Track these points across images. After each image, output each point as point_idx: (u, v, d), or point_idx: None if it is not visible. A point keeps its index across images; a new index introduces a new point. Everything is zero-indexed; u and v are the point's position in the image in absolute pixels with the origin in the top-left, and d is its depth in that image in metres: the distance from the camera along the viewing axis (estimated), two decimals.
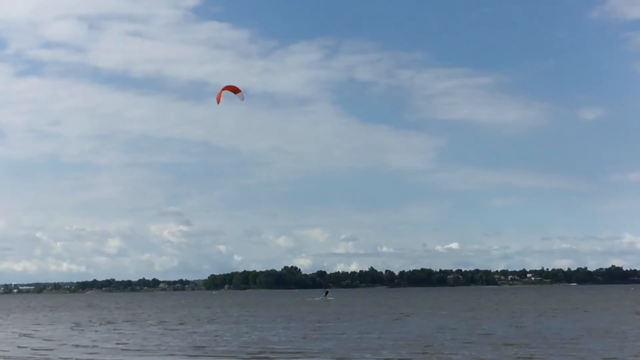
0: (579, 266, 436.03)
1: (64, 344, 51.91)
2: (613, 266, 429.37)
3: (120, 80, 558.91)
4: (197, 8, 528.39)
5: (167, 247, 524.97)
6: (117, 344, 51.45)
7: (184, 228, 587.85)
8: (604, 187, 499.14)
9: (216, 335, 57.64)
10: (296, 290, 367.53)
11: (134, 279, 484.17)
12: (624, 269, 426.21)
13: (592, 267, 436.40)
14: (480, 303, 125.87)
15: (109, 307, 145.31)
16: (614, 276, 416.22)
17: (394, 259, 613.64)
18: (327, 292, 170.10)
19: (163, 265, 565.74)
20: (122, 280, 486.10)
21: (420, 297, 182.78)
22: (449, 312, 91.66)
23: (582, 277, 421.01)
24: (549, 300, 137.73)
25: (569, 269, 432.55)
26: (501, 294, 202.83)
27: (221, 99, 36.76)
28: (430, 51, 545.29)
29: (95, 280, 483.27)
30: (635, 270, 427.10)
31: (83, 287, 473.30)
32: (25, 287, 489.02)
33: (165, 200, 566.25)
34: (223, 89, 36.69)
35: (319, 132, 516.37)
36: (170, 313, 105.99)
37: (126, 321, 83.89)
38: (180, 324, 76.26)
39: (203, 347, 48.21)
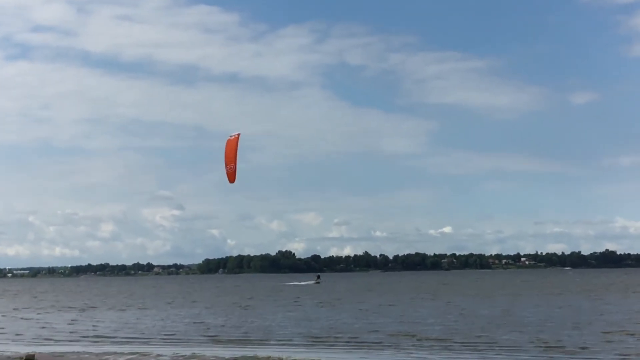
0: (572, 250, 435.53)
1: None
2: (607, 250, 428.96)
3: (110, 64, 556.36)
4: None
5: (160, 231, 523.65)
6: None
7: (176, 212, 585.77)
8: (597, 171, 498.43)
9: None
10: (290, 274, 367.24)
11: (128, 263, 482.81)
12: (618, 252, 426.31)
13: (585, 251, 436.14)
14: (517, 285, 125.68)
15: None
16: (608, 260, 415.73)
17: (387, 243, 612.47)
18: (318, 277, 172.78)
19: (156, 250, 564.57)
20: (117, 265, 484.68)
21: (429, 281, 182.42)
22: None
23: (576, 261, 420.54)
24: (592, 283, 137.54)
25: (562, 253, 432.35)
26: (518, 277, 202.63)
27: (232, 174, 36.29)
28: (422, 35, 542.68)
29: (89, 265, 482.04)
30: (629, 254, 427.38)
31: (77, 271, 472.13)
32: (19, 272, 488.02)
33: (157, 185, 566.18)
34: (230, 168, 36.10)
35: (310, 117, 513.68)
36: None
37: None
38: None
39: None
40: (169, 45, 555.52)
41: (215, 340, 42.97)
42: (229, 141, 35.69)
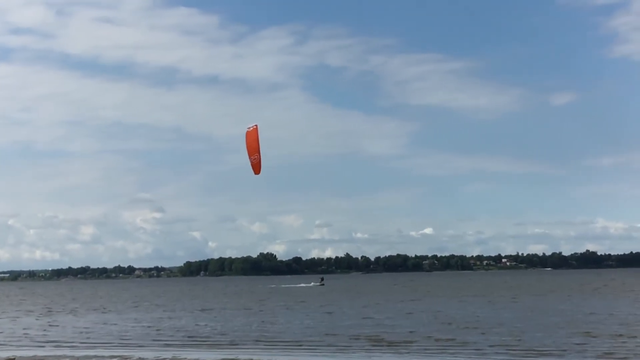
0: (553, 251, 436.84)
1: None
2: (587, 251, 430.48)
3: (90, 66, 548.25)
4: None
5: (141, 234, 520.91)
6: None
7: (157, 215, 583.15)
8: (577, 172, 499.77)
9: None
10: (275, 276, 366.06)
11: (109, 266, 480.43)
12: (598, 253, 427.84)
13: (566, 251, 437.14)
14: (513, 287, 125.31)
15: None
16: (589, 261, 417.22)
17: (369, 245, 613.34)
18: (322, 279, 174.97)
19: (137, 252, 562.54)
20: (98, 268, 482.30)
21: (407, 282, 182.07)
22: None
23: (556, 261, 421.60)
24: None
25: (543, 253, 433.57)
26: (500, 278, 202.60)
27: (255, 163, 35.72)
28: (402, 36, 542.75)
29: (70, 268, 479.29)
30: (609, 254, 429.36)
31: (58, 274, 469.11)
32: (0, 275, 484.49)
33: (138, 187, 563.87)
34: (255, 159, 35.55)
35: (291, 118, 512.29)
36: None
37: None
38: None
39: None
40: (149, 47, 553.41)
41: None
42: (248, 133, 35.33)
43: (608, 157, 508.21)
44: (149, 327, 54.15)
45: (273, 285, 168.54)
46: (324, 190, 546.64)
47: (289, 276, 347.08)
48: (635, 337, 40.58)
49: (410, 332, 45.48)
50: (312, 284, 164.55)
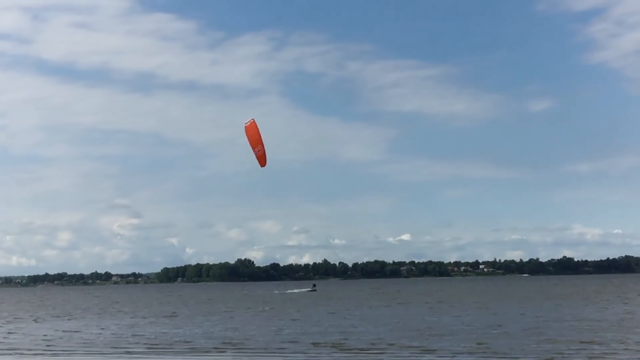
0: (530, 257, 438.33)
1: None
2: (564, 257, 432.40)
3: (67, 72, 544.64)
4: None
5: (118, 240, 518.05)
6: None
7: (134, 221, 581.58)
8: (554, 178, 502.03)
9: None
10: (253, 282, 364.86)
11: (86, 272, 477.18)
12: (575, 259, 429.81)
13: (543, 257, 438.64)
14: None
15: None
16: (565, 267, 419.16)
17: (346, 251, 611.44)
18: (314, 285, 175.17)
19: (114, 259, 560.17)
20: (74, 274, 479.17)
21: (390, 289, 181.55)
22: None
23: (534, 267, 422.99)
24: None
25: (521, 259, 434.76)
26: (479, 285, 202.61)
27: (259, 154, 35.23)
28: (379, 43, 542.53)
29: (47, 274, 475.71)
30: (586, 260, 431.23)
31: (34, 281, 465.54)
32: None
33: (115, 193, 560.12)
34: (259, 151, 35.15)
35: (269, 124, 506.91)
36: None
37: None
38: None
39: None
40: (126, 53, 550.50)
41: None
42: (247, 128, 34.92)
43: (585, 164, 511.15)
44: (112, 334, 53.35)
45: (261, 291, 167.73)
46: (302, 196, 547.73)
47: (282, 282, 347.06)
48: (593, 342, 40.48)
49: (376, 338, 44.98)
50: (305, 289, 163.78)
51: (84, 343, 47.07)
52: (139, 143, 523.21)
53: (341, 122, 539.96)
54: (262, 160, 35.12)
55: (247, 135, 35.31)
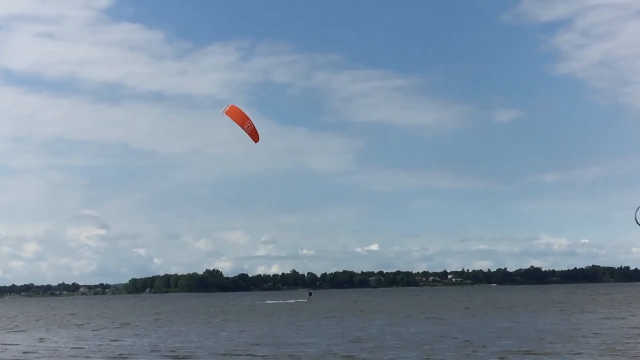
0: (498, 267, 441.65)
1: None
2: (532, 267, 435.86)
3: (33, 82, 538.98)
4: (109, 9, 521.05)
5: (85, 251, 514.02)
6: None
7: (102, 232, 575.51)
8: (521, 188, 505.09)
9: None
10: (222, 293, 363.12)
11: (53, 283, 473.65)
12: (543, 269, 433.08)
13: (511, 267, 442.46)
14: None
15: None
16: (533, 276, 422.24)
17: (315, 261, 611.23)
18: (310, 294, 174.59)
19: (82, 270, 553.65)
20: (42, 285, 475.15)
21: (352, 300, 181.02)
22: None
23: (502, 277, 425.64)
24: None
25: (488, 269, 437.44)
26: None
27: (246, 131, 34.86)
28: (346, 53, 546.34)
29: (13, 285, 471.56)
30: (553, 270, 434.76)
31: (1, 292, 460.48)
32: None
33: (82, 204, 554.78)
34: (249, 127, 34.80)
35: (237, 135, 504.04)
36: None
37: None
38: None
39: None
40: (93, 63, 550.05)
41: None
42: (228, 112, 34.67)
43: (551, 174, 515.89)
44: (51, 346, 52.39)
45: (257, 301, 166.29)
46: (270, 206, 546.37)
47: (275, 292, 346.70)
48: (530, 352, 40.26)
49: (311, 349, 44.48)
50: (302, 300, 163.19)
51: (14, 357, 46.10)
52: (106, 154, 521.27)
53: (309, 132, 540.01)
54: (254, 135, 34.78)
55: (231, 118, 35.10)
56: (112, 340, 55.86)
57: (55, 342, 56.49)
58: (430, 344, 46.12)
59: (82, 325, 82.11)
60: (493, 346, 43.85)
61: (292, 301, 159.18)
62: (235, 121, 35.14)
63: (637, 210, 48.23)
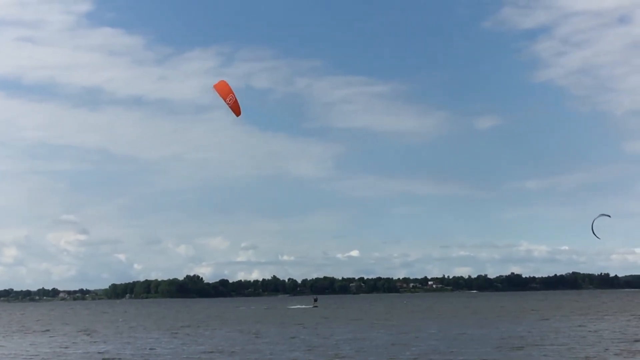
0: (478, 273, 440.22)
1: None
2: (512, 273, 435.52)
3: (13, 86, 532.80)
4: (89, 14, 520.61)
5: (65, 256, 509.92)
6: None
7: (81, 237, 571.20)
8: (502, 195, 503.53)
9: None
10: (202, 299, 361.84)
11: (33, 288, 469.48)
12: (523, 276, 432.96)
13: (491, 274, 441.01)
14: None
15: None
16: (514, 283, 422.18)
17: (295, 267, 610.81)
18: (315, 300, 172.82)
19: (61, 275, 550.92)
20: (21, 290, 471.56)
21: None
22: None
23: (482, 284, 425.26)
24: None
25: (469, 276, 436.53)
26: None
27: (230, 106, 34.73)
28: (328, 59, 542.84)
29: None
30: (534, 277, 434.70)
31: None
32: None
33: (62, 209, 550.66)
34: (231, 99, 34.65)
35: (217, 140, 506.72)
36: None
37: None
38: None
39: None
40: (73, 67, 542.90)
41: None
42: (216, 85, 34.47)
43: (532, 181, 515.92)
44: (12, 354, 52.00)
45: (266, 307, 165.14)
46: (250, 212, 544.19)
47: (285, 296, 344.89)
48: None
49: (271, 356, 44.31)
50: (309, 305, 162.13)
51: None
52: (85, 159, 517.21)
53: (290, 138, 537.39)
54: (236, 109, 34.64)
55: (217, 91, 35.07)
56: (62, 347, 55.46)
57: (10, 348, 56.04)
58: None
59: (43, 330, 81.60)
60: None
61: (303, 307, 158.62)
62: (219, 95, 35.14)
63: (593, 220, 48.42)
